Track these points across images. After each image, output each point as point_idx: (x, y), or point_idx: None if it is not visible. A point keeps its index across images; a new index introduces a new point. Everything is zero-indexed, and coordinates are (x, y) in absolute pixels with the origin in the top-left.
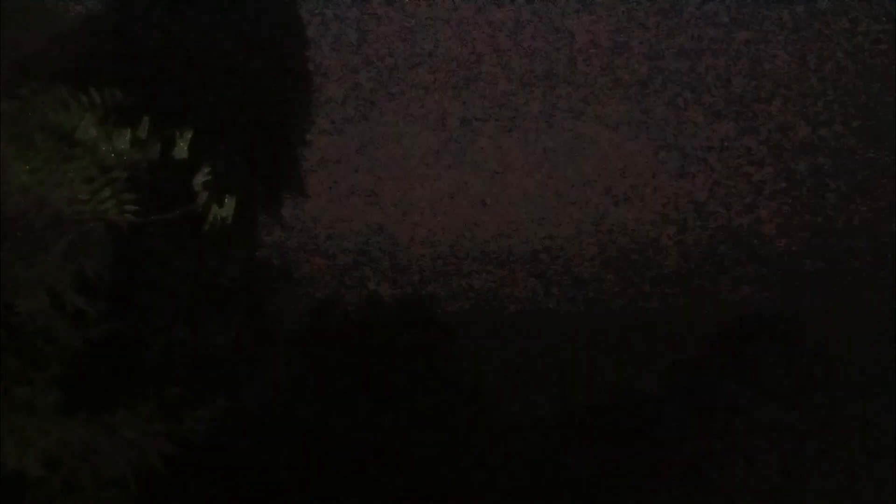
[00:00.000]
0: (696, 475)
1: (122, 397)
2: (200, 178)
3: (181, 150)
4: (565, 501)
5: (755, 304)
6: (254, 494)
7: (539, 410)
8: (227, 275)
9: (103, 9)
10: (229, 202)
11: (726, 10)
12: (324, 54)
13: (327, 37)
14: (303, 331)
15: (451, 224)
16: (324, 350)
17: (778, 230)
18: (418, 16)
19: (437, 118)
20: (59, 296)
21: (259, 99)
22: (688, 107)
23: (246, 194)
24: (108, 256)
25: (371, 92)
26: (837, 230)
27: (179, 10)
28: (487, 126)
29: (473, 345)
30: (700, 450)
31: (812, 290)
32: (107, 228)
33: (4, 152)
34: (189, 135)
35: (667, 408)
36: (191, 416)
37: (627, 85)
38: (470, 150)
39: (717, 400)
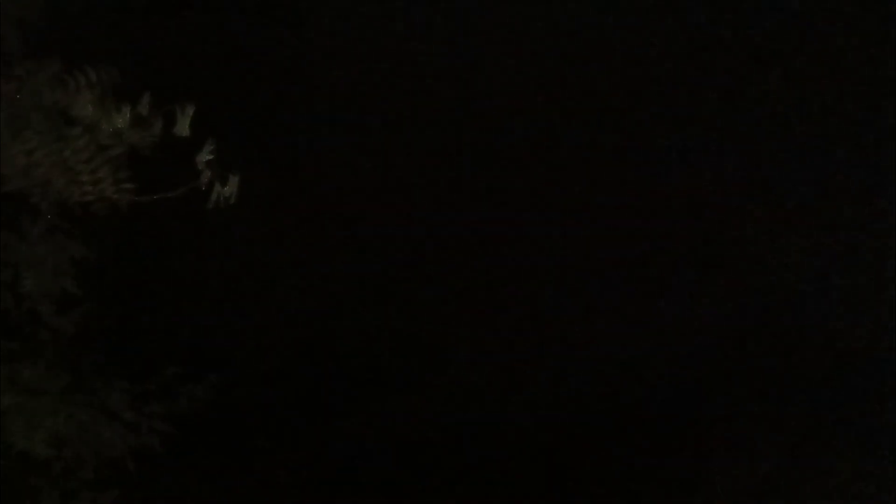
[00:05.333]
0: (696, 475)
1: (121, 378)
2: (204, 156)
3: (183, 126)
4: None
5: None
6: (248, 473)
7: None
8: (228, 255)
9: None
10: (233, 180)
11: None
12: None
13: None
14: (300, 311)
15: (450, 214)
16: (321, 333)
17: (777, 229)
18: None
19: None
20: (56, 278)
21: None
22: (687, 105)
23: (248, 173)
24: (104, 237)
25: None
26: (838, 229)
27: None
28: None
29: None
30: (700, 448)
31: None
32: (107, 208)
33: (3, 133)
34: (191, 111)
35: (666, 404)
36: (187, 393)
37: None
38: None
39: (718, 397)
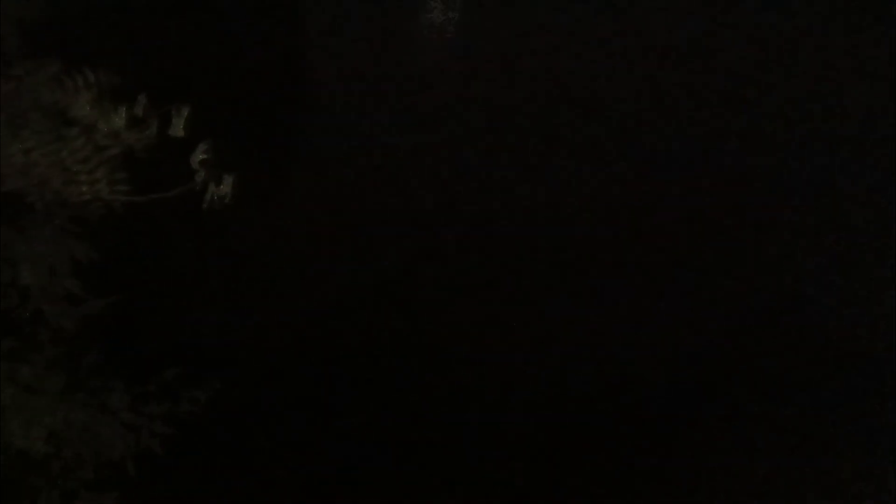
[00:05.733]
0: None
1: (120, 379)
2: (198, 156)
3: (177, 127)
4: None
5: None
6: (248, 473)
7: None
8: (225, 255)
9: None
10: (227, 180)
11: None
12: (327, 35)
13: (330, 18)
14: (300, 311)
15: (447, 213)
16: (317, 333)
17: (777, 229)
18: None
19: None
20: (57, 277)
21: (259, 80)
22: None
23: (245, 174)
24: (104, 237)
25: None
26: (838, 229)
27: None
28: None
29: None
30: (700, 448)
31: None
32: (103, 208)
33: (1, 133)
34: (186, 111)
35: (666, 404)
36: (188, 396)
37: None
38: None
39: (718, 397)
